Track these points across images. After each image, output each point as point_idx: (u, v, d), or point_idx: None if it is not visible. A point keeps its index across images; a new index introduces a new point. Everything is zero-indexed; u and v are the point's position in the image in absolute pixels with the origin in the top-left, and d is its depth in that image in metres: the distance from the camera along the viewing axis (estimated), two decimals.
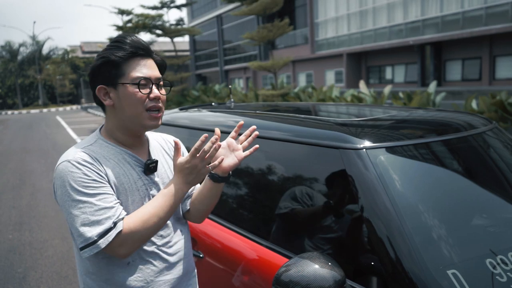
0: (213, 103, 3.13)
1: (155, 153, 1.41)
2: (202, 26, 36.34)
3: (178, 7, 22.85)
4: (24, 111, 37.46)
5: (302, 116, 1.91)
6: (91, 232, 1.14)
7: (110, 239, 1.15)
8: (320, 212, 1.56)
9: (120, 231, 1.17)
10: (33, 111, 37.51)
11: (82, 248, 1.15)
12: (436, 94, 7.73)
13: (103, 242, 1.14)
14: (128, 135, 1.32)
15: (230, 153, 1.35)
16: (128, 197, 1.27)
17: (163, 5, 21.99)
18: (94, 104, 40.48)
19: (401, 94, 7.92)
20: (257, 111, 2.21)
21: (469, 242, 1.38)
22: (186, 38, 37.32)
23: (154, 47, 1.40)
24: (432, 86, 7.73)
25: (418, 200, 1.42)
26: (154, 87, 1.28)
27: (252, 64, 13.92)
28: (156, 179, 1.35)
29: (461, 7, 17.23)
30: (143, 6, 21.55)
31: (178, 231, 1.42)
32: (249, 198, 1.90)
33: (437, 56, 19.24)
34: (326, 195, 1.57)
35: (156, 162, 1.35)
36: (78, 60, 46.65)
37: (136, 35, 1.36)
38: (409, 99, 7.00)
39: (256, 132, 1.36)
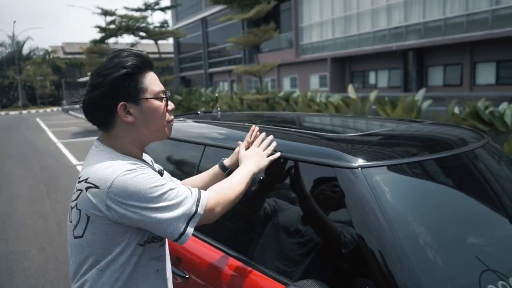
0: (199, 112, 3.04)
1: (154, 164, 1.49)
2: (186, 28, 36.13)
3: (163, 9, 22.66)
4: (2, 113, 36.52)
5: (293, 129, 1.84)
6: (186, 206, 1.18)
7: (205, 199, 1.22)
8: (312, 232, 1.48)
9: (207, 203, 1.22)
10: (12, 112, 36.60)
11: (181, 234, 1.17)
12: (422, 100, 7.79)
13: (201, 206, 1.20)
14: (140, 149, 1.32)
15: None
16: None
17: (147, 7, 21.76)
18: (76, 106, 40.09)
19: (386, 99, 7.95)
20: (246, 123, 2.13)
21: (469, 265, 1.32)
22: (170, 40, 37.01)
23: (137, 49, 1.38)
24: (421, 93, 7.78)
25: (417, 222, 1.36)
26: (168, 100, 1.32)
27: (238, 68, 13.84)
28: None
29: (443, 14, 17.52)
30: (127, 8, 21.27)
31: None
32: (237, 216, 1.82)
33: (419, 61, 19.51)
34: (318, 215, 1.50)
35: (163, 171, 1.47)
36: (59, 61, 45.81)
37: (132, 48, 1.34)
38: (393, 106, 7.03)
39: (264, 134, 1.59)
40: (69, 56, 47.98)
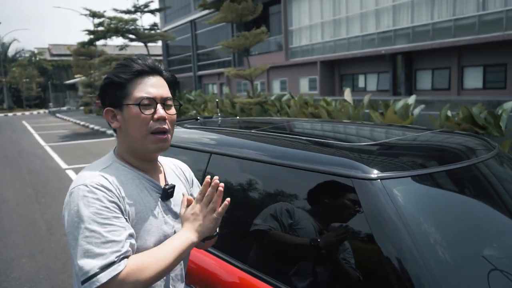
0: (198, 118, 2.97)
1: (170, 178, 1.34)
2: (175, 31, 35.93)
3: (152, 11, 22.49)
4: None
5: (304, 137, 1.79)
6: (93, 264, 1.03)
7: (113, 273, 1.02)
8: (331, 246, 1.44)
9: (123, 270, 1.04)
10: None
11: (83, 282, 1.02)
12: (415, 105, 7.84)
13: (104, 276, 1.02)
14: (139, 159, 1.24)
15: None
16: (144, 226, 1.19)
17: (137, 10, 21.58)
18: (63, 108, 39.48)
19: (380, 103, 7.96)
20: (253, 130, 2.08)
21: (493, 280, 1.29)
22: (159, 43, 36.81)
23: (127, 52, 1.31)
24: (412, 99, 7.82)
25: (439, 234, 1.32)
26: (159, 107, 1.20)
27: (229, 71, 13.78)
28: (172, 205, 1.29)
29: (431, 19, 17.71)
30: (116, 10, 21.06)
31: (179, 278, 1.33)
32: (247, 228, 1.76)
33: (408, 65, 19.70)
34: (336, 228, 1.45)
35: (173, 187, 1.29)
36: (46, 62, 45.18)
37: (140, 54, 1.28)
38: (387, 109, 7.03)
39: (221, 188, 1.20)
40: (56, 58, 47.36)
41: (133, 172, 1.22)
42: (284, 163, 1.62)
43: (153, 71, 1.22)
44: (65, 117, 27.29)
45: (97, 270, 1.02)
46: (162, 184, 1.29)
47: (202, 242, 1.28)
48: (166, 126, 1.20)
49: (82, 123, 21.90)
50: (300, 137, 1.80)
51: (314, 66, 23.86)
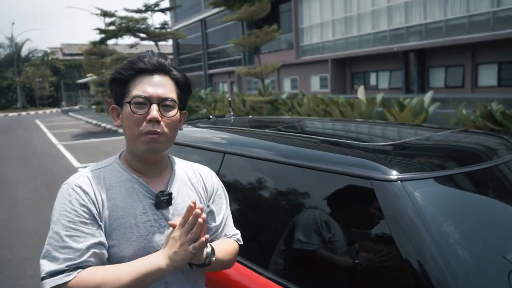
0: (211, 117, 2.95)
1: (176, 185, 1.23)
2: (186, 29, 36.04)
3: (162, 10, 22.56)
4: (1, 114, 36.37)
5: (320, 137, 1.76)
6: (45, 267, 1.02)
7: (58, 282, 1.00)
8: (346, 247, 1.40)
9: (71, 280, 1.01)
10: (11, 114, 36.47)
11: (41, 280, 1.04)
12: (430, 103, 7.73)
13: (48, 283, 1.00)
14: (139, 161, 1.19)
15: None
16: (123, 233, 1.12)
17: (147, 9, 21.66)
18: (75, 107, 39.92)
19: (393, 102, 7.87)
20: (266, 130, 2.05)
21: None
22: (170, 41, 36.94)
23: (137, 51, 1.27)
24: (429, 96, 7.71)
25: (462, 238, 1.27)
26: (153, 107, 1.12)
27: (240, 70, 13.76)
28: (170, 214, 1.19)
29: (444, 15, 17.47)
30: (126, 9, 21.17)
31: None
32: (265, 232, 1.73)
33: (420, 63, 19.47)
34: (354, 231, 1.42)
35: (170, 195, 1.18)
36: (58, 62, 45.70)
37: (153, 51, 1.22)
38: (401, 107, 6.95)
39: (200, 220, 1.07)
40: (68, 58, 47.88)
41: (127, 175, 1.17)
42: (299, 163, 1.59)
43: (158, 69, 1.16)
44: (77, 116, 27.57)
45: (44, 275, 1.01)
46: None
47: (191, 266, 1.16)
48: (158, 129, 1.11)
49: (94, 121, 22.10)
50: (315, 136, 1.77)
51: (325, 64, 23.73)
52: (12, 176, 9.04)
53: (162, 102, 1.14)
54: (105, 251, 1.08)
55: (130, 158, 1.20)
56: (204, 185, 1.31)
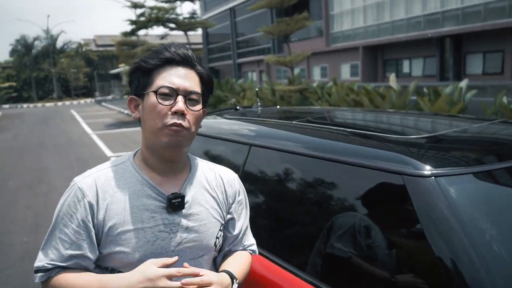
0: (238, 107, 2.92)
1: (193, 187, 1.17)
2: (215, 18, 36.05)
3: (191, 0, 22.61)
4: (39, 105, 37.78)
5: (348, 129, 1.69)
6: (37, 261, 1.10)
7: (42, 279, 1.09)
8: (379, 249, 1.34)
9: (48, 279, 1.09)
10: (48, 104, 37.82)
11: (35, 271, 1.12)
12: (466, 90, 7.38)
13: (36, 277, 1.10)
14: (157, 158, 1.12)
15: None
16: (129, 239, 1.07)
17: None
18: (108, 97, 40.94)
19: (425, 90, 7.58)
20: (294, 122, 2.00)
21: None
22: (199, 31, 37.11)
23: (167, 41, 1.22)
24: (464, 83, 7.37)
25: (501, 238, 1.19)
26: (180, 99, 1.07)
27: (270, 58, 13.64)
28: (182, 219, 1.12)
29: None
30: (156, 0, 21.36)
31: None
32: (290, 226, 1.69)
33: (457, 49, 18.71)
34: (384, 229, 1.36)
35: (183, 198, 1.11)
36: (91, 53, 46.84)
37: (177, 43, 1.17)
38: (436, 95, 6.67)
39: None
40: (101, 49, 48.96)
41: (138, 176, 1.12)
42: (326, 156, 1.53)
43: (184, 61, 1.11)
44: (110, 106, 28.24)
45: (35, 269, 1.10)
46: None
47: None
48: (183, 123, 1.06)
49: (126, 111, 22.57)
50: (344, 128, 1.70)
51: (356, 51, 23.20)
52: (50, 165, 9.38)
53: (188, 95, 1.09)
54: (89, 263, 1.09)
55: (147, 154, 1.13)
56: (225, 189, 1.24)
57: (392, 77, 8.44)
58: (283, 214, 1.71)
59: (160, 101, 1.06)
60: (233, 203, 1.25)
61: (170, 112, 1.06)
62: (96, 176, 1.12)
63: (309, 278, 1.46)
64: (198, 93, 1.12)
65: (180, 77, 1.09)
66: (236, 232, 1.26)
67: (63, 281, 1.07)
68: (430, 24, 18.94)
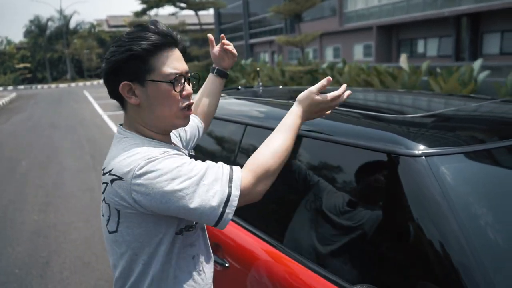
0: (239, 87, 2.89)
1: (177, 143, 1.33)
2: None
3: None
4: (53, 86, 38.17)
5: (344, 109, 1.66)
6: (218, 189, 1.03)
7: (239, 178, 1.07)
8: (366, 227, 1.32)
9: (241, 170, 1.10)
10: (61, 85, 38.17)
11: (218, 220, 1.04)
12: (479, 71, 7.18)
13: (235, 186, 1.05)
14: (159, 133, 1.18)
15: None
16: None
17: None
18: None
19: (438, 70, 7.41)
20: (290, 101, 1.96)
21: None
22: (211, 11, 36.70)
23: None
24: (478, 63, 7.16)
25: (494, 220, 1.16)
26: (186, 82, 1.16)
27: (280, 39, 13.46)
28: None
29: None
30: None
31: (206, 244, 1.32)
32: (283, 204, 1.68)
33: (474, 28, 18.19)
34: (373, 209, 1.34)
35: (194, 156, 1.26)
36: (104, 34, 46.90)
37: (158, 21, 1.15)
38: (450, 75, 6.50)
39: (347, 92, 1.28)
40: (113, 29, 48.96)
41: (162, 143, 1.15)
42: (317, 136, 1.51)
43: (172, 42, 1.14)
44: None
45: (227, 190, 1.04)
46: None
47: (221, 78, 1.56)
48: (192, 101, 1.19)
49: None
50: (340, 108, 1.66)
51: (370, 31, 22.76)
52: (62, 145, 9.51)
53: (187, 76, 1.17)
54: None
55: (148, 131, 1.15)
56: (179, 134, 1.41)
57: (403, 58, 8.26)
58: (276, 195, 1.70)
59: (174, 88, 1.11)
60: (183, 137, 1.43)
61: (181, 96, 1.13)
62: (151, 147, 1.08)
63: (304, 259, 1.45)
64: (190, 72, 1.20)
65: (179, 60, 1.14)
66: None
67: (254, 165, 1.10)
68: (447, 3, 18.40)
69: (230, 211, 1.04)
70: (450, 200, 1.13)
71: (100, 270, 3.57)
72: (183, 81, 1.13)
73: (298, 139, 1.57)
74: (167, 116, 1.13)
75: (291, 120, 1.21)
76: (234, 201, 1.04)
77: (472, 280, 1.02)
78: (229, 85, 15.42)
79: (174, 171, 1.02)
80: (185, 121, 1.18)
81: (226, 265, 1.72)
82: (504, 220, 1.18)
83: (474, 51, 18.27)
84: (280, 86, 3.29)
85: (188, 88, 1.15)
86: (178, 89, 1.12)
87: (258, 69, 2.62)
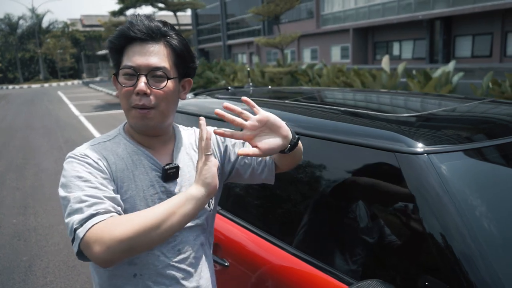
0: (229, 88, 2.90)
1: (180, 154, 1.19)
2: None
3: None
4: (25, 86, 37.11)
5: (342, 108, 1.69)
6: (73, 219, 0.95)
7: (88, 226, 0.92)
8: (369, 224, 1.36)
9: (103, 221, 0.93)
10: (34, 85, 37.14)
11: (72, 242, 0.97)
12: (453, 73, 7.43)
13: (81, 231, 0.93)
14: (141, 134, 1.14)
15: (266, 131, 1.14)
16: (134, 206, 1.08)
17: None
18: (96, 79, 40.38)
19: (414, 72, 7.60)
20: (286, 101, 1.99)
21: None
22: (189, 12, 36.47)
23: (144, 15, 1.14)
24: (451, 65, 7.40)
25: (492, 213, 1.21)
26: (142, 79, 1.04)
27: (259, 40, 13.52)
28: (176, 187, 1.14)
29: None
30: None
31: (201, 250, 1.21)
32: (284, 203, 1.70)
33: (446, 31, 18.74)
34: (375, 206, 1.37)
35: (177, 168, 1.13)
36: (78, 33, 45.90)
37: (146, 14, 1.13)
38: (426, 77, 6.69)
39: (200, 122, 1.08)
40: (88, 29, 47.98)
41: (133, 146, 1.13)
42: (319, 135, 1.53)
43: (149, 36, 1.06)
44: (97, 88, 27.83)
45: (76, 226, 0.94)
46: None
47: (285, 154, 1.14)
48: (146, 103, 1.05)
49: (114, 93, 22.28)
50: (336, 107, 1.70)
51: (347, 33, 23.11)
52: (38, 146, 9.27)
53: (152, 73, 1.06)
54: (121, 210, 1.02)
55: (132, 131, 1.15)
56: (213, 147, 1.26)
57: (385, 59, 8.44)
58: (274, 193, 1.72)
59: (123, 82, 1.07)
60: (222, 148, 1.27)
61: (134, 93, 1.06)
62: (95, 147, 1.11)
63: (303, 255, 1.48)
64: (164, 69, 1.07)
65: (144, 55, 1.06)
66: (257, 160, 1.27)
67: (121, 218, 0.95)
68: (421, 6, 18.89)
69: (74, 246, 0.96)
70: (452, 195, 1.17)
71: (86, 274, 3.50)
72: (138, 77, 1.05)
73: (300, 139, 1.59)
74: (124, 111, 1.11)
75: (175, 198, 1.01)
76: (77, 242, 0.95)
77: (475, 269, 1.07)
78: (208, 86, 15.37)
79: (69, 177, 1.02)
80: (134, 121, 1.08)
81: (226, 264, 1.73)
82: (502, 212, 1.24)
83: (447, 53, 18.81)
84: (269, 87, 3.32)
85: (140, 85, 1.04)
86: (130, 82, 1.05)
87: (248, 69, 2.64)
